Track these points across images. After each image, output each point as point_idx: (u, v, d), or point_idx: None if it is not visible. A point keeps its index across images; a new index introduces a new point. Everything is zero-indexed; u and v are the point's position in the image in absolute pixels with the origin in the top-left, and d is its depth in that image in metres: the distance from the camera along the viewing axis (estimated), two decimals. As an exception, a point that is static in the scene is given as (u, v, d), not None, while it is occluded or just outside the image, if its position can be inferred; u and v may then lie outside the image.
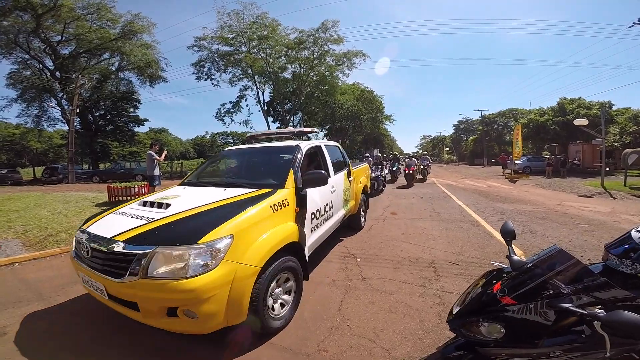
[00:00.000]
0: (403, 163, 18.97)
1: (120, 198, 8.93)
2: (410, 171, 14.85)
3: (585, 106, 25.82)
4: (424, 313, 2.92)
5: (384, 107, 44.31)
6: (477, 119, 52.60)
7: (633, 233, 1.50)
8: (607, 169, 16.79)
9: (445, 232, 6.07)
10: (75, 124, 23.29)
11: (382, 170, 13.32)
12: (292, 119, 33.45)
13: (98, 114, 30.42)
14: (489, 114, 50.90)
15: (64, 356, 2.47)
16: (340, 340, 2.53)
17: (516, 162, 23.08)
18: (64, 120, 26.07)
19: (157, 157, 8.64)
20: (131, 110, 31.97)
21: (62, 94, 25.03)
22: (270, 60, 28.48)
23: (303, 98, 31.19)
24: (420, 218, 7.51)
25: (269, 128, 32.96)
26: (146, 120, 34.45)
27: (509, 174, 21.14)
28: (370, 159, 15.58)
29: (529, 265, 1.50)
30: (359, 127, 40.36)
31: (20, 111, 25.36)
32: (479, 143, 49.39)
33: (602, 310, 1.19)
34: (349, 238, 5.72)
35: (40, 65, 24.96)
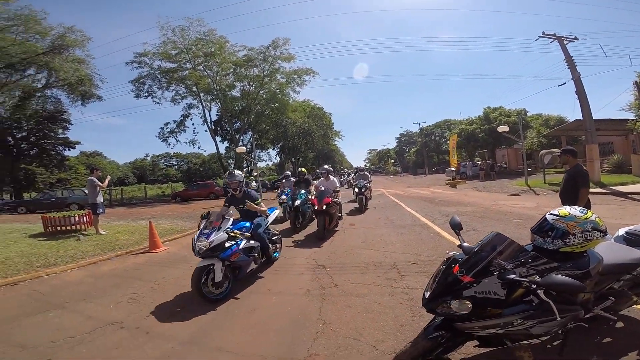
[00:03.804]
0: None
1: (59, 228, 8.11)
2: (323, 207, 6.89)
3: (505, 114, 29.52)
4: (397, 309, 3.22)
5: (333, 123, 45.93)
6: (417, 132, 56.84)
7: (547, 216, 1.97)
8: (529, 169, 19.27)
9: (401, 237, 6.60)
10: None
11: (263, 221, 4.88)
12: (241, 138, 32.97)
13: (20, 135, 26.88)
14: (427, 126, 55.35)
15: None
16: (328, 343, 2.70)
17: (451, 168, 25.40)
18: (-21, 144, 22.76)
19: (100, 183, 8.13)
20: (60, 131, 28.80)
21: (-23, 113, 21.82)
22: (217, 77, 28.00)
23: (253, 116, 30.94)
24: (377, 226, 8.01)
25: (217, 148, 32.05)
26: (77, 142, 31.28)
27: (448, 180, 23.14)
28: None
29: (476, 249, 1.90)
30: (311, 144, 41.09)
31: None
32: (420, 154, 53.31)
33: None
34: (315, 250, 5.95)
35: (-49, 81, 21.63)
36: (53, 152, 28.98)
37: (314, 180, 10.69)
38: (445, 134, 53.62)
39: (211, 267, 3.86)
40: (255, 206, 4.65)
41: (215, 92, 28.53)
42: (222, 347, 2.77)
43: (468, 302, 1.67)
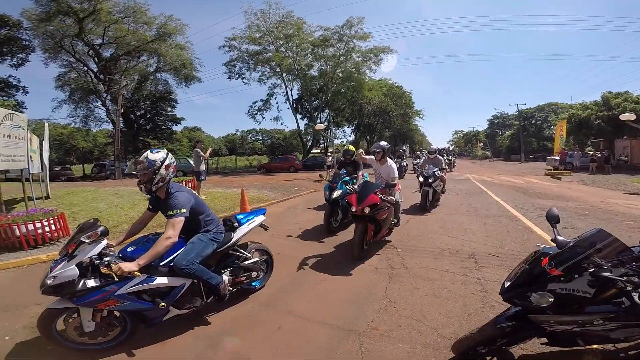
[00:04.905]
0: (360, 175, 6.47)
1: (170, 191, 9.56)
2: (365, 210, 4.08)
3: (633, 100, 24.46)
4: (467, 298, 3.06)
5: (413, 103, 43.56)
6: (514, 114, 50.31)
7: None
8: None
9: (484, 227, 6.07)
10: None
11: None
12: (319, 115, 33.85)
13: (139, 113, 32.35)
14: (527, 109, 48.58)
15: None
16: (389, 320, 2.73)
17: (555, 157, 21.97)
18: (109, 120, 28.17)
19: (203, 154, 9.27)
20: (169, 109, 33.75)
21: (106, 94, 26.90)
22: (297, 58, 28.98)
23: (330, 95, 31.43)
24: (457, 213, 7.50)
25: (297, 125, 33.54)
26: (182, 119, 36.22)
27: (549, 170, 20.16)
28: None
29: (571, 244, 1.68)
30: (388, 123, 39.97)
31: (69, 112, 27.73)
32: (516, 138, 47.27)
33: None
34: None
35: (85, 68, 27.05)
36: (164, 127, 34.40)
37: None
38: (549, 118, 46.50)
39: (74, 312, 2.33)
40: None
41: (296, 72, 29.67)
42: (292, 311, 2.99)
43: (550, 295, 1.55)
